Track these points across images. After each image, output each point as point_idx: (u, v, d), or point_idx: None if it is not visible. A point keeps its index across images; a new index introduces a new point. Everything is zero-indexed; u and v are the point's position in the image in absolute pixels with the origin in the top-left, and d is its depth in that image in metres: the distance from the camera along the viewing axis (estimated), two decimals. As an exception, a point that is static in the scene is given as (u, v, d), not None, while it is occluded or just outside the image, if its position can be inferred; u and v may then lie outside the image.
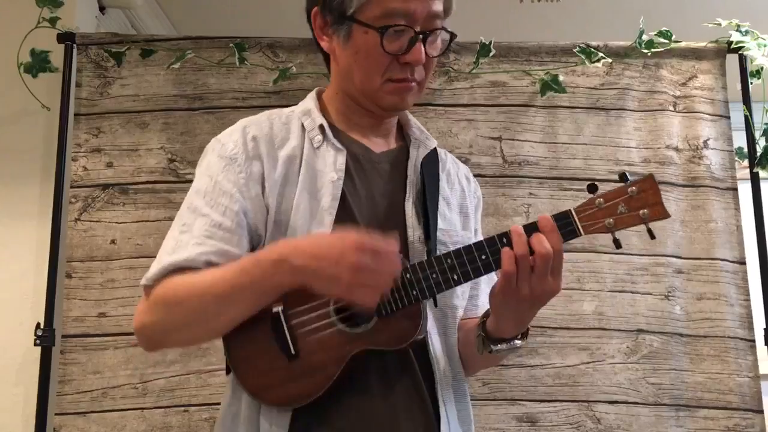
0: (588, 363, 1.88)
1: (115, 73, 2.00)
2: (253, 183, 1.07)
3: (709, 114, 2.04)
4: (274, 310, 1.01)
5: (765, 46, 1.98)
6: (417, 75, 1.11)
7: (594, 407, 1.85)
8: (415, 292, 1.02)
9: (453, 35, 1.13)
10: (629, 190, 1.00)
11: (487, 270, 1.01)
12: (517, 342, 1.08)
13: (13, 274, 1.96)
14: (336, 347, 1.01)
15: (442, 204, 1.17)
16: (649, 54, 2.02)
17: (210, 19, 2.74)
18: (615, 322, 1.90)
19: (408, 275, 1.02)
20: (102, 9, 2.28)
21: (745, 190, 2.00)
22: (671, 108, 2.04)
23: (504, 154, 2.00)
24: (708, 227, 1.96)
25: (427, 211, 1.12)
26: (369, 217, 1.09)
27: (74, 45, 2.00)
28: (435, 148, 1.21)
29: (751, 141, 2.01)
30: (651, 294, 1.92)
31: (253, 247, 1.08)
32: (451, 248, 1.05)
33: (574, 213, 1.01)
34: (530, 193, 1.97)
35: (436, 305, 1.10)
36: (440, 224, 1.14)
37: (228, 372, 1.07)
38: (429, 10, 1.08)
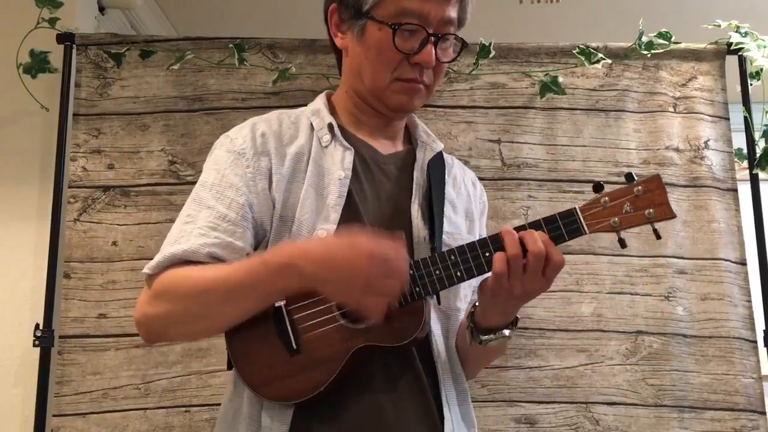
0: (587, 364, 1.88)
1: (115, 74, 2.00)
2: (260, 177, 1.08)
3: (709, 115, 2.04)
4: (277, 304, 1.02)
5: (764, 47, 1.98)
6: (426, 78, 1.12)
7: (593, 409, 1.86)
8: (418, 289, 1.02)
9: (465, 44, 1.14)
10: (635, 189, 1.01)
11: (490, 267, 1.01)
12: (506, 332, 1.09)
13: (11, 275, 1.96)
14: (338, 343, 1.01)
15: (447, 207, 1.17)
16: (648, 55, 2.02)
17: (209, 19, 2.74)
18: (614, 323, 1.90)
19: (412, 272, 1.02)
20: (101, 9, 2.27)
21: (744, 191, 2.00)
22: (671, 109, 2.04)
23: (503, 156, 2.00)
24: (711, 227, 1.96)
25: (433, 214, 1.13)
26: (374, 217, 1.10)
27: (73, 45, 2.00)
28: (441, 152, 1.21)
29: (751, 142, 2.01)
30: (650, 295, 1.92)
31: (258, 242, 1.08)
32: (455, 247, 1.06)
33: (578, 211, 1.02)
34: (529, 196, 1.97)
35: (439, 303, 1.10)
36: (446, 227, 1.14)
37: (229, 367, 1.08)
38: (443, 15, 1.09)
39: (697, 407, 1.85)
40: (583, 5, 2.63)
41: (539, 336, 1.89)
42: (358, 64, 1.13)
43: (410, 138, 1.24)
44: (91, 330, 1.85)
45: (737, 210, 1.98)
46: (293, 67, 2.00)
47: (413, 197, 1.14)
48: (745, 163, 2.03)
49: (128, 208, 1.93)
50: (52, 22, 1.96)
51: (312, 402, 1.02)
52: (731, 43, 2.02)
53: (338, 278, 0.95)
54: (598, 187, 1.02)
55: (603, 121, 2.02)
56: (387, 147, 1.19)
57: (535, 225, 1.02)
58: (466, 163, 1.94)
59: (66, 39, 1.99)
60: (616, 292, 1.92)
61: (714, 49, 2.06)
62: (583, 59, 2.00)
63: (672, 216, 1.00)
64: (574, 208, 1.02)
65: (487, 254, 1.01)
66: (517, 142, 2.01)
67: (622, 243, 1.02)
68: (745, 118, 2.00)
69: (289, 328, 1.02)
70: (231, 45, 2.00)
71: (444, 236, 1.13)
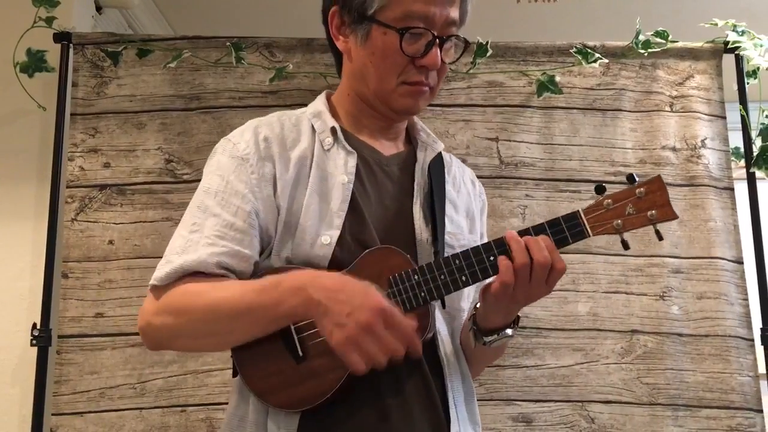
0: (582, 363, 1.88)
1: (112, 73, 2.00)
2: (265, 183, 1.07)
3: (706, 114, 2.04)
4: None
5: (761, 46, 1.99)
6: (431, 80, 1.13)
7: (588, 407, 1.86)
8: (423, 294, 1.02)
9: (467, 44, 1.15)
10: (637, 191, 1.01)
11: (495, 271, 1.02)
12: (508, 331, 1.09)
13: (9, 275, 1.96)
14: None
15: (449, 207, 1.17)
16: (645, 54, 2.02)
17: (207, 18, 2.74)
18: (609, 322, 1.91)
19: (417, 277, 1.02)
20: (98, 9, 2.27)
21: (741, 190, 2.01)
22: (668, 108, 2.04)
23: (501, 154, 2.00)
24: (707, 226, 1.96)
25: (435, 214, 1.12)
26: (378, 220, 1.10)
27: (70, 45, 2.00)
28: (441, 152, 1.22)
29: (748, 141, 2.01)
30: (646, 295, 1.92)
31: (263, 248, 1.08)
32: (458, 251, 1.06)
33: (582, 214, 1.02)
34: (526, 195, 1.98)
35: (444, 306, 1.10)
36: (448, 227, 1.14)
37: (234, 374, 1.08)
38: (447, 17, 1.10)
39: (692, 405, 1.86)
40: (581, 4, 2.63)
41: (536, 335, 1.89)
42: (362, 68, 1.13)
43: (410, 138, 1.24)
44: (88, 329, 1.85)
45: (734, 209, 1.99)
46: (290, 66, 2.00)
47: (415, 198, 1.14)
48: (742, 162, 2.03)
49: (124, 206, 1.92)
50: (49, 21, 1.96)
51: (319, 408, 1.01)
52: (728, 42, 2.02)
53: (338, 312, 0.93)
54: (599, 188, 1.02)
55: (600, 120, 2.03)
56: (389, 148, 1.19)
57: (539, 228, 1.02)
58: (463, 161, 1.95)
59: (63, 38, 1.99)
60: (612, 291, 1.92)
61: (711, 48, 2.06)
62: (580, 58, 2.00)
63: (674, 217, 1.00)
64: (578, 211, 1.02)
65: (492, 258, 1.01)
66: (514, 141, 2.01)
67: (625, 245, 1.02)
68: (742, 116, 2.00)
69: (294, 335, 1.02)
70: (228, 44, 2.00)
71: (446, 237, 1.13)
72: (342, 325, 0.93)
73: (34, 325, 1.85)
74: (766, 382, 1.92)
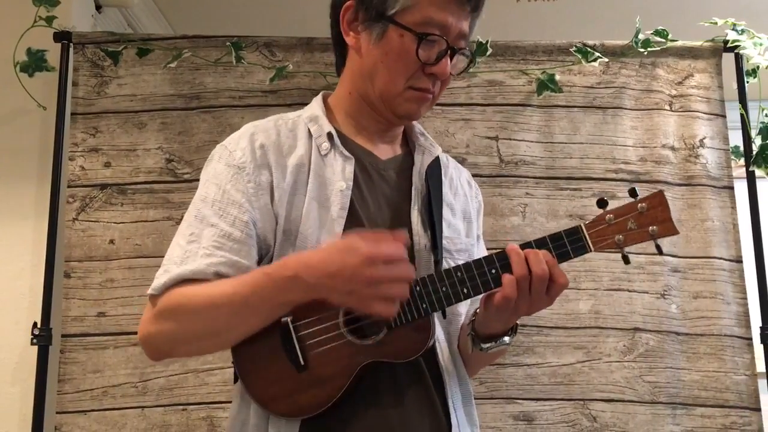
0: (584, 362, 1.89)
1: (112, 72, 2.00)
2: (262, 192, 1.07)
3: (705, 113, 2.05)
4: (283, 320, 1.01)
5: (761, 45, 1.99)
6: (435, 88, 1.13)
7: (590, 405, 1.86)
8: (425, 305, 1.02)
9: (472, 60, 1.15)
10: (639, 206, 1.01)
11: (497, 284, 1.02)
12: (506, 339, 1.10)
13: (9, 274, 1.96)
14: (345, 359, 1.01)
15: (446, 211, 1.17)
16: (645, 53, 2.02)
17: (207, 18, 2.74)
18: (611, 320, 1.91)
19: (418, 288, 1.02)
20: (98, 8, 2.27)
21: (741, 188, 2.01)
22: (667, 107, 2.04)
23: (501, 153, 2.00)
24: (704, 226, 1.96)
25: (433, 219, 1.12)
26: (377, 226, 1.09)
27: (71, 44, 2.00)
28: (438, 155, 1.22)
29: (747, 140, 2.02)
30: (647, 293, 1.92)
31: (261, 257, 1.07)
32: (456, 255, 1.08)
33: (584, 229, 1.02)
34: (527, 193, 1.98)
35: (445, 317, 1.11)
36: (445, 231, 1.14)
37: (236, 380, 1.07)
38: (460, 29, 1.10)
39: (688, 404, 1.86)
40: (581, 3, 2.63)
41: (537, 333, 1.89)
42: (371, 67, 1.12)
43: (407, 140, 1.24)
44: (90, 329, 1.86)
45: (733, 208, 1.99)
46: (290, 65, 2.00)
47: (413, 203, 1.13)
48: (742, 161, 2.04)
49: (125, 206, 1.93)
50: (49, 20, 1.96)
51: (320, 416, 1.01)
52: (728, 41, 2.02)
53: (342, 286, 0.95)
54: (602, 203, 1.02)
55: (600, 118, 2.03)
56: (386, 152, 1.18)
57: (541, 242, 1.02)
58: (463, 161, 1.95)
59: (63, 37, 1.99)
60: (614, 289, 1.92)
61: (711, 47, 2.07)
62: (580, 57, 2.00)
63: (675, 233, 1.01)
64: (580, 225, 1.02)
65: (493, 271, 1.02)
66: (514, 140, 2.01)
67: (626, 260, 1.03)
68: (742, 115, 2.01)
69: (296, 343, 1.01)
70: (228, 43, 2.00)
71: (444, 241, 1.13)
72: (350, 292, 0.95)
73: (35, 324, 1.85)
74: (765, 380, 1.92)
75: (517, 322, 1.10)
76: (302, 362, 1.01)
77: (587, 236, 1.01)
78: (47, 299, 1.86)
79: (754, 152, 2.00)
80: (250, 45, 2.02)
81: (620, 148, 2.01)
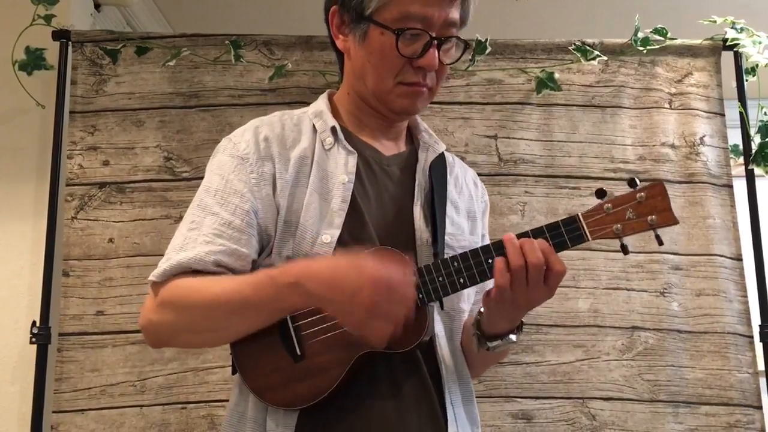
0: (583, 360, 1.89)
1: (111, 70, 2.00)
2: (264, 183, 1.07)
3: (704, 111, 2.05)
4: None
5: (760, 43, 1.99)
6: (429, 80, 1.12)
7: (589, 404, 1.86)
8: (421, 296, 1.02)
9: (468, 45, 1.14)
10: (638, 195, 1.01)
11: (493, 274, 1.01)
12: (512, 337, 1.09)
13: (8, 273, 1.96)
14: (342, 349, 1.01)
15: (450, 208, 1.17)
16: (644, 51, 2.02)
17: (205, 16, 2.73)
18: (610, 319, 1.91)
19: (415, 278, 1.02)
20: (97, 6, 2.27)
21: (740, 187, 2.01)
22: (666, 105, 2.04)
23: (500, 152, 2.00)
24: (706, 223, 1.96)
25: (435, 216, 1.12)
26: (378, 220, 1.10)
27: (69, 42, 2.00)
28: (443, 152, 1.22)
29: (746, 138, 2.02)
30: (646, 291, 1.92)
31: (262, 248, 1.08)
32: (458, 252, 1.06)
33: (581, 218, 1.01)
34: (526, 192, 1.98)
35: (442, 308, 1.10)
36: (448, 228, 1.14)
37: (234, 372, 1.08)
38: (446, 17, 1.09)
39: (691, 402, 1.86)
40: (580, 2, 2.63)
41: (536, 332, 1.89)
42: (360, 68, 1.13)
43: (412, 138, 1.24)
44: (89, 327, 1.85)
45: (732, 206, 1.99)
46: (289, 64, 2.00)
47: (416, 199, 1.14)
48: (741, 159, 2.04)
49: (124, 204, 1.92)
50: (48, 19, 1.96)
51: (317, 406, 1.02)
52: (727, 39, 2.02)
53: (342, 301, 0.95)
54: (600, 193, 1.02)
55: (599, 117, 2.03)
56: (390, 148, 1.19)
57: (538, 232, 1.01)
58: (462, 159, 1.95)
59: (62, 36, 1.99)
60: (612, 287, 1.92)
61: (710, 45, 2.07)
62: (579, 56, 2.00)
63: (674, 222, 1.00)
64: (577, 214, 1.02)
65: (490, 261, 1.01)
66: (513, 138, 2.01)
67: (625, 249, 1.02)
68: (741, 114, 2.01)
69: (293, 334, 1.02)
70: (227, 42, 1.99)
71: (447, 238, 1.13)
72: (349, 312, 0.95)
73: (34, 323, 1.85)
74: (765, 379, 1.92)
75: (523, 321, 1.10)
76: (299, 352, 1.02)
77: (585, 225, 1.01)
78: (46, 298, 1.86)
79: (753, 151, 2.00)
80: (249, 43, 2.02)
81: (619, 147, 2.01)
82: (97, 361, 1.84)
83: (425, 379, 1.07)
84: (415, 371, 1.06)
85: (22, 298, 1.94)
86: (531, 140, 2.01)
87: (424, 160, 1.18)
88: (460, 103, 2.03)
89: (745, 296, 1.94)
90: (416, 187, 1.15)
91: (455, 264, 1.02)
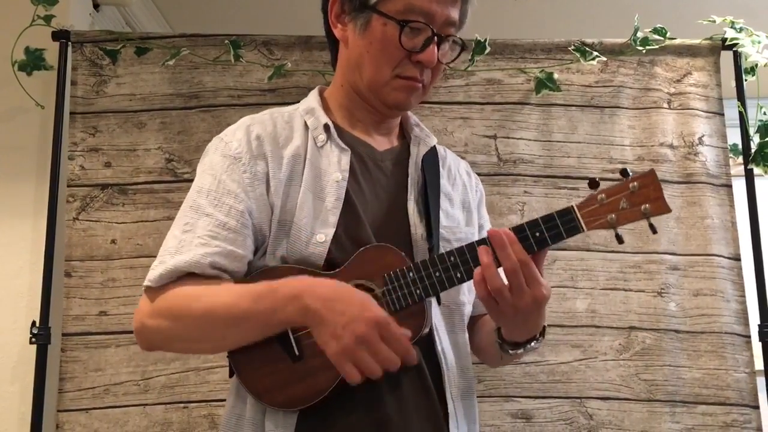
0: (581, 360, 1.89)
1: (111, 71, 2.00)
2: (257, 182, 1.07)
3: (704, 111, 2.05)
4: None
5: (759, 43, 1.99)
6: (425, 77, 1.12)
7: (586, 403, 1.87)
8: (418, 291, 1.02)
9: (464, 47, 1.15)
10: (630, 185, 1.01)
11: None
12: (533, 344, 1.09)
13: (8, 272, 1.96)
14: None
15: (444, 201, 1.17)
16: (643, 51, 2.02)
17: (205, 16, 2.73)
18: (607, 319, 1.92)
19: (411, 274, 1.02)
20: (96, 6, 2.26)
21: (739, 186, 2.01)
22: (666, 105, 2.04)
23: (499, 152, 2.00)
24: (704, 223, 1.97)
25: (429, 209, 1.12)
26: (373, 217, 1.10)
27: (69, 43, 2.00)
28: (435, 145, 1.22)
29: (746, 138, 2.02)
30: (644, 291, 1.93)
31: (257, 247, 1.08)
32: (455, 245, 1.06)
33: (576, 209, 1.01)
34: (525, 192, 1.98)
35: (439, 303, 1.10)
36: (443, 221, 1.14)
37: (231, 374, 1.08)
38: (447, 16, 1.10)
39: (688, 402, 1.87)
40: (579, 2, 2.63)
41: (535, 331, 1.90)
42: (357, 57, 1.12)
43: (404, 133, 1.24)
44: (92, 327, 1.86)
45: (731, 206, 1.99)
46: (289, 64, 2.00)
47: (409, 193, 1.13)
48: (740, 159, 2.04)
49: (126, 206, 1.93)
50: (47, 19, 1.95)
51: (316, 407, 1.01)
52: (726, 39, 2.02)
53: (335, 322, 0.93)
54: (593, 183, 1.02)
55: (598, 117, 2.03)
56: (382, 143, 1.19)
57: (533, 224, 1.01)
58: (462, 159, 1.95)
59: (61, 36, 1.99)
60: (610, 288, 1.93)
61: (709, 45, 2.07)
62: (578, 56, 2.00)
63: (667, 210, 1.00)
64: (572, 206, 1.02)
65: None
66: (512, 138, 2.01)
67: (620, 239, 1.03)
68: (740, 113, 2.01)
69: (291, 334, 1.02)
70: (226, 42, 1.99)
71: (442, 231, 1.13)
72: (338, 336, 0.93)
73: (33, 323, 1.85)
74: (764, 378, 1.93)
75: (546, 325, 1.09)
76: (297, 352, 1.01)
77: (579, 216, 1.01)
78: (46, 298, 1.87)
79: (753, 150, 2.00)
80: (248, 43, 2.02)
81: (618, 147, 2.01)
82: (100, 361, 1.84)
83: (425, 374, 1.07)
84: (414, 367, 1.05)
85: (21, 298, 1.94)
86: (530, 140, 2.01)
87: (416, 154, 1.18)
88: (460, 103, 2.03)
89: (743, 296, 1.95)
90: (409, 182, 1.14)
91: (451, 259, 1.02)
